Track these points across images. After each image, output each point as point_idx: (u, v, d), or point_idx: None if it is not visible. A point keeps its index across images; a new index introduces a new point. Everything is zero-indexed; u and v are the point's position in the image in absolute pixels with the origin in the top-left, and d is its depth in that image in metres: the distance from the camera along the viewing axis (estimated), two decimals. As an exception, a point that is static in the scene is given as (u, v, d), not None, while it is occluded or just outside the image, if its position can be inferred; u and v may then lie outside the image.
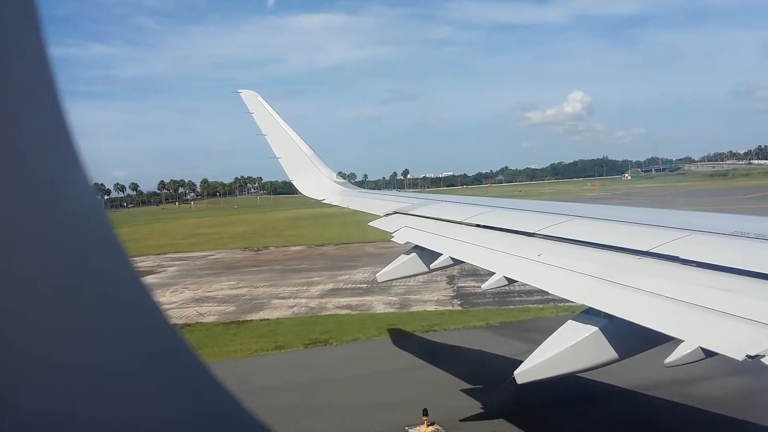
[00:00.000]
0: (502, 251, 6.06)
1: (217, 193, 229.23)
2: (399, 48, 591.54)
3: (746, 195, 67.64)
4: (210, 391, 1.02)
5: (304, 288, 24.75)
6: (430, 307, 19.72)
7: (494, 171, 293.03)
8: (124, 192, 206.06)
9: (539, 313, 17.89)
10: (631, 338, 4.13)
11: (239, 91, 13.57)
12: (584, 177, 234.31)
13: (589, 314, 4.37)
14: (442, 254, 6.92)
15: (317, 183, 13.39)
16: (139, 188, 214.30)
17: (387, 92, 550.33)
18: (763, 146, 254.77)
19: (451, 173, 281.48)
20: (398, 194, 13.96)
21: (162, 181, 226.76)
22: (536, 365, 4.30)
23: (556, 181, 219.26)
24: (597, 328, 4.20)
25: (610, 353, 4.21)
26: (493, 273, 5.60)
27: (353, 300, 21.65)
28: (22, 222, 0.80)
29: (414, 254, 7.80)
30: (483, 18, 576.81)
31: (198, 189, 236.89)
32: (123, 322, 0.93)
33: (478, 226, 7.26)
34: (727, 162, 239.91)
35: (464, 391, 11.64)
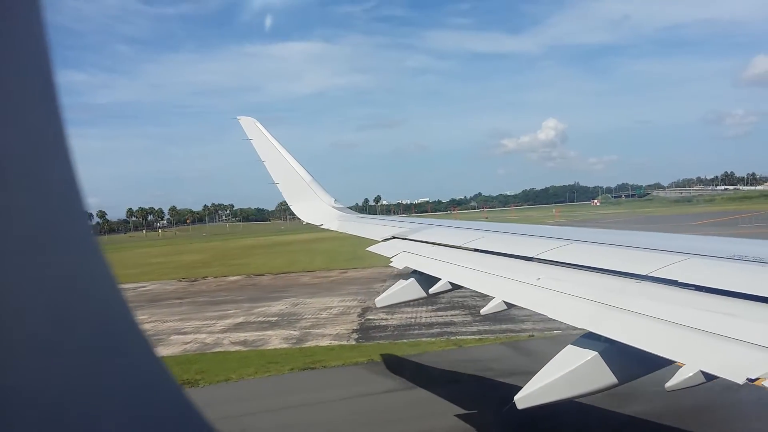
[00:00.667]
0: (500, 276, 5.99)
1: (187, 221, 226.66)
2: (376, 76, 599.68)
3: (695, 222, 68.58)
4: (170, 397, 1.05)
5: (213, 322, 24.08)
6: (324, 342, 19.14)
7: (467, 197, 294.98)
8: (92, 220, 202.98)
9: (428, 347, 17.46)
10: (631, 362, 4.08)
11: (238, 117, 13.60)
12: (555, 203, 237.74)
13: (588, 339, 4.29)
14: (440, 279, 6.85)
15: (315, 208, 13.42)
16: (106, 216, 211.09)
17: (364, 119, 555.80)
18: (729, 172, 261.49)
19: (427, 199, 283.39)
20: (396, 219, 13.80)
21: (130, 208, 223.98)
22: (536, 390, 4.18)
23: (525, 207, 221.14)
24: (596, 352, 4.13)
25: (610, 378, 4.13)
26: (492, 297, 5.53)
27: (253, 335, 21.03)
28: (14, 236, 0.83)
29: (412, 279, 7.73)
30: (459, 47, 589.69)
31: (167, 216, 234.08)
32: (103, 340, 0.95)
33: (476, 250, 7.20)
34: (695, 188, 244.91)
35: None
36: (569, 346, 4.40)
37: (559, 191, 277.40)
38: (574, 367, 4.17)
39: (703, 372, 3.25)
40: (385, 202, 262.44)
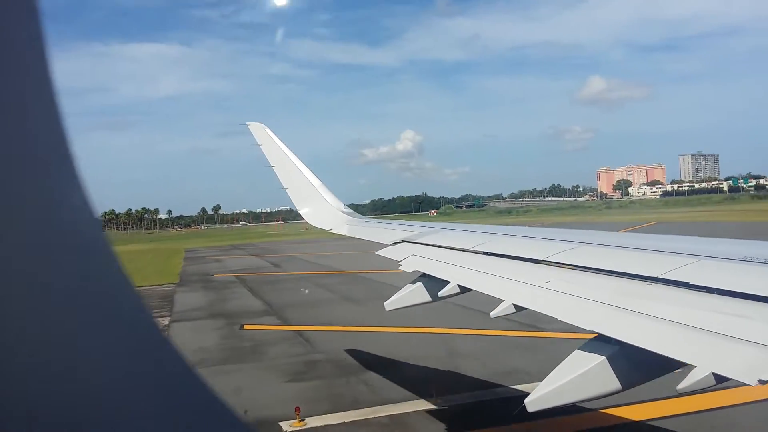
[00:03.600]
0: (510, 278, 5.97)
1: None
2: (237, 82, 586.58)
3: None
4: (197, 394, 1.03)
5: None
6: None
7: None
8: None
9: None
10: (642, 365, 4.07)
11: (247, 123, 13.52)
12: (401, 213, 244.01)
13: (597, 341, 4.24)
14: (449, 282, 6.85)
15: (325, 213, 13.41)
16: None
17: (224, 125, 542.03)
18: (556, 184, 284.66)
19: (288, 208, 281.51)
20: (407, 223, 13.38)
21: None
22: (545, 393, 4.16)
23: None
24: (607, 355, 4.10)
25: (621, 380, 4.09)
26: (502, 300, 5.47)
27: None
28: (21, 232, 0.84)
29: (420, 283, 7.74)
30: (319, 57, 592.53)
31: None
32: (114, 328, 0.95)
33: (485, 253, 7.17)
34: (526, 199, 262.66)
35: None
36: (576, 350, 4.33)
37: (406, 201, 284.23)
38: (584, 370, 4.12)
39: (714, 374, 3.23)
40: (238, 211, 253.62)
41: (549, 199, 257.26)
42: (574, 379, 4.14)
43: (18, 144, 0.84)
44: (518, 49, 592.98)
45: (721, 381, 3.23)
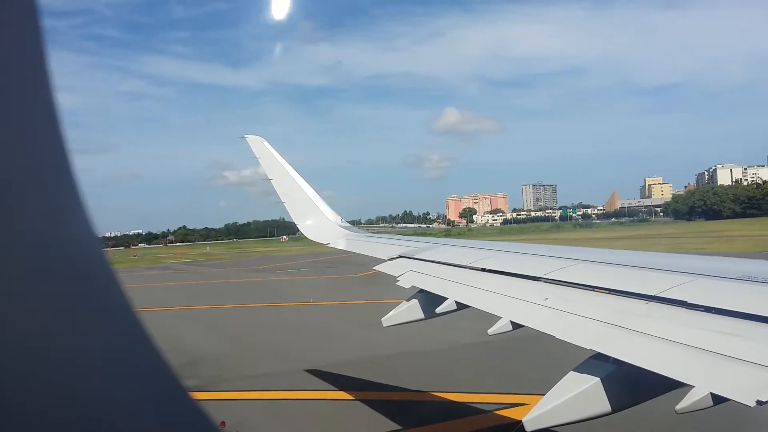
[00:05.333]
0: (507, 296, 5.96)
1: None
2: (84, 97, 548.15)
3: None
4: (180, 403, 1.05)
5: None
6: None
7: (170, 230, 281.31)
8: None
9: None
10: (639, 385, 4.05)
11: (246, 136, 13.63)
12: (257, 237, 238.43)
13: (595, 360, 4.23)
14: (447, 299, 6.82)
15: (322, 227, 13.46)
16: None
17: (70, 143, 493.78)
18: (408, 211, 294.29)
19: (140, 231, 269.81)
20: (404, 238, 12.85)
21: None
22: (544, 413, 4.12)
23: (205, 243, 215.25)
24: (605, 374, 4.08)
25: (619, 400, 4.08)
26: (499, 318, 5.47)
27: None
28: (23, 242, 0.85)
29: (417, 299, 7.66)
30: (178, 75, 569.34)
31: None
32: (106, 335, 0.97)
33: (483, 270, 7.17)
34: (381, 225, 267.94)
35: None
36: (571, 372, 4.30)
37: (261, 226, 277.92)
38: (581, 390, 4.10)
39: (712, 394, 3.23)
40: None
41: (401, 225, 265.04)
42: (571, 398, 4.10)
43: (20, 153, 0.85)
44: (379, 78, 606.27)
45: (719, 402, 3.22)
